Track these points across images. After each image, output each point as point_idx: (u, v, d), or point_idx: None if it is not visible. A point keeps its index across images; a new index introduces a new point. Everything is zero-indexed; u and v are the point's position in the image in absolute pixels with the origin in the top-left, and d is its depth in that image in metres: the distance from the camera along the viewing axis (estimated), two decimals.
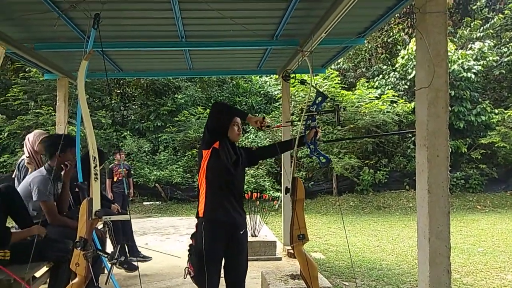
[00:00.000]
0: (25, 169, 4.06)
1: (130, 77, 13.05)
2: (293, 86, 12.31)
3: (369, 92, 13.36)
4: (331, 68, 13.00)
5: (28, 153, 4.03)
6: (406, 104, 13.14)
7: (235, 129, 2.78)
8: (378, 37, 15.71)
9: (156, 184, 12.68)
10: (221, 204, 2.69)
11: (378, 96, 13.27)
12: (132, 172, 10.32)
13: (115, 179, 7.66)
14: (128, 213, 3.91)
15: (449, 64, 9.20)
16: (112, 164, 8.03)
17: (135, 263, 4.81)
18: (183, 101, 14.44)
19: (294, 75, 3.37)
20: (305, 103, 3.30)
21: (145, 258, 5.39)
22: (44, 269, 3.23)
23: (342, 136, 12.89)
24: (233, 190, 2.74)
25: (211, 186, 2.69)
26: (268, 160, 12.67)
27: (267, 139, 13.04)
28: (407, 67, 13.79)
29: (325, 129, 12.70)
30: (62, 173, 3.60)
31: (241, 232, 2.78)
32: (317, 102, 2.92)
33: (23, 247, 2.83)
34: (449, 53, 6.38)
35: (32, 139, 4.06)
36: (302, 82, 3.31)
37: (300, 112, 12.90)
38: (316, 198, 12.98)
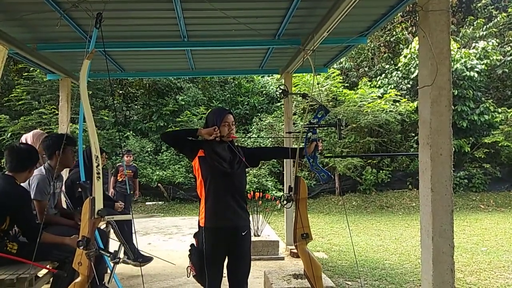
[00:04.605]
0: None
1: (132, 77, 13.08)
2: (295, 86, 12.28)
3: (372, 91, 13.31)
4: (333, 67, 12.96)
5: None
6: (409, 103, 13.07)
7: (226, 129, 2.79)
8: (380, 36, 15.65)
9: (159, 184, 12.70)
10: (221, 211, 2.68)
11: (381, 96, 13.21)
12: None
13: (119, 179, 7.81)
14: (131, 213, 3.91)
15: (452, 63, 9.13)
16: (119, 164, 8.23)
17: (147, 255, 4.79)
18: (185, 101, 14.45)
19: (294, 90, 3.37)
20: (307, 102, 3.27)
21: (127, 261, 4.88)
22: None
23: (344, 136, 12.86)
24: (233, 192, 2.73)
25: (209, 193, 2.69)
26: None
27: (269, 140, 13.02)
28: (410, 66, 13.74)
29: (326, 141, 12.62)
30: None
31: (243, 234, 2.76)
32: (319, 116, 2.90)
33: (29, 244, 2.85)
34: (452, 52, 6.32)
35: (31, 139, 4.05)
36: (304, 96, 3.30)
37: (302, 112, 12.88)
38: (319, 197, 12.98)
